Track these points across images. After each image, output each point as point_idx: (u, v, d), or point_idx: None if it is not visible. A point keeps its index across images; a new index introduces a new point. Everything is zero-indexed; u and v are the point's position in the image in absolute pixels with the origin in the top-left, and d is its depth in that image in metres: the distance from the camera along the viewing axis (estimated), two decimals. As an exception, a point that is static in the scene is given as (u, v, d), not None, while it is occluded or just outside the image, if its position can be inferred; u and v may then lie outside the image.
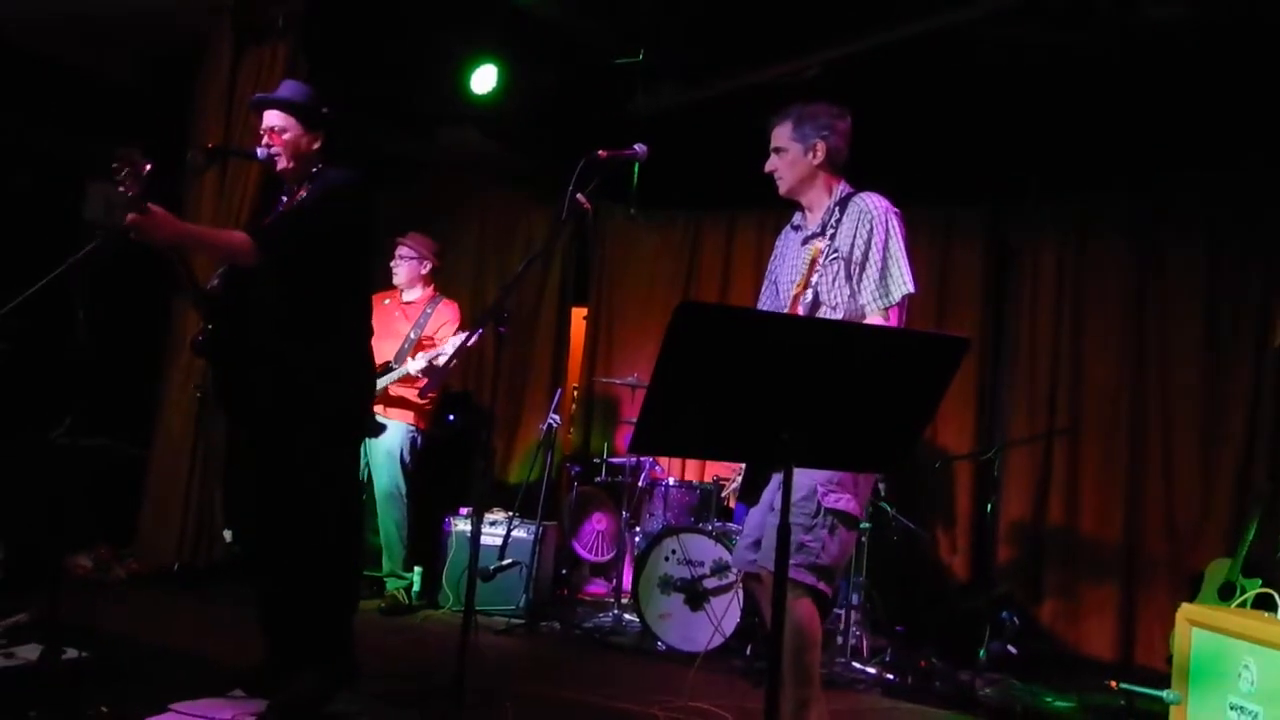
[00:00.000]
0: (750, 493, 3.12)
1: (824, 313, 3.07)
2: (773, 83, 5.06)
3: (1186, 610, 3.44)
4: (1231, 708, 3.15)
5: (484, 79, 5.51)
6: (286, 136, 3.27)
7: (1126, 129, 5.09)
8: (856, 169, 3.29)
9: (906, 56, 4.77)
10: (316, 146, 3.32)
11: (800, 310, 3.01)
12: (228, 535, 5.35)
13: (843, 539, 3.01)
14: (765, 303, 3.37)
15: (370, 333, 3.41)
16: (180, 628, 4.14)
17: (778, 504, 3.00)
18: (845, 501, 2.99)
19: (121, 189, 2.83)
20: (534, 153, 6.40)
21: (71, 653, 3.34)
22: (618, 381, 6.03)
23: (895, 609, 5.17)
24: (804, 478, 2.92)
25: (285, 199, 3.37)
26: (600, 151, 3.01)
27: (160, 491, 5.17)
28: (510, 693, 3.52)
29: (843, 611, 4.81)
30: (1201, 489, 5.18)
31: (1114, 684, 3.40)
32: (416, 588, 5.30)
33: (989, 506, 5.42)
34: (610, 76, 5.42)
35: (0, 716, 2.58)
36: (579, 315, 7.17)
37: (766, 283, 3.42)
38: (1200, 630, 3.35)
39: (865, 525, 4.88)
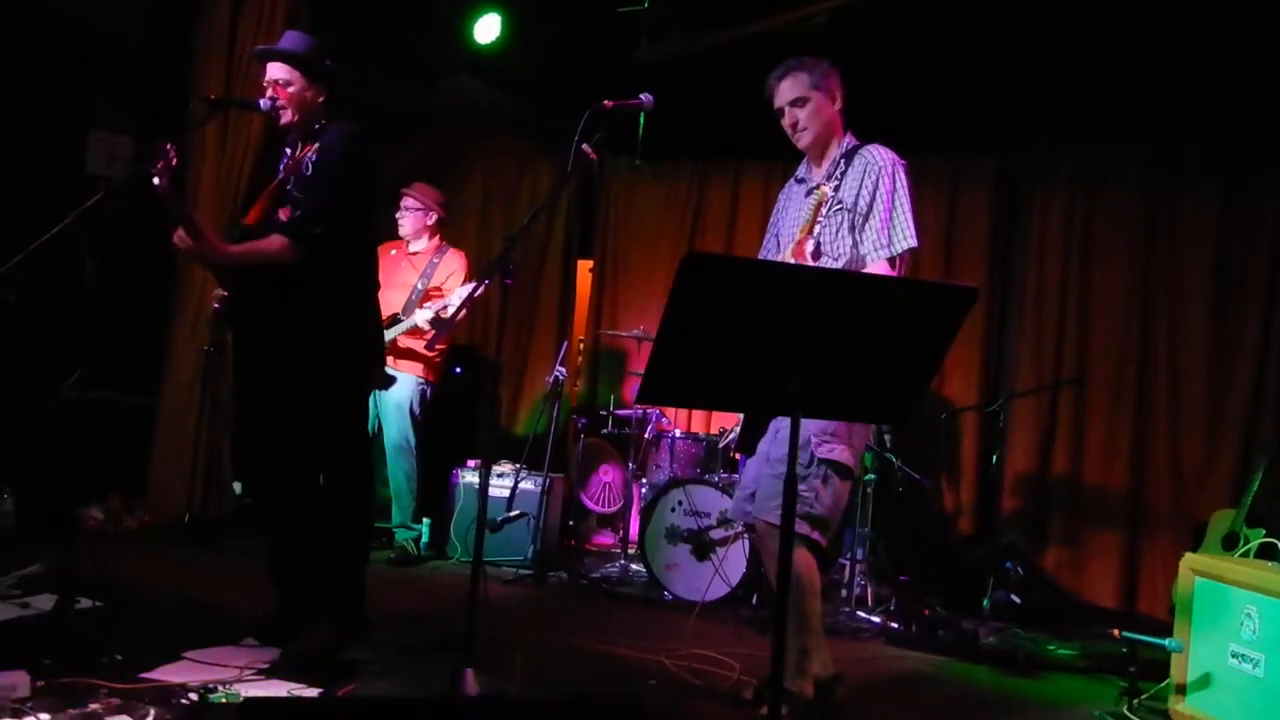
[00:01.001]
0: (748, 443, 3.14)
1: (825, 264, 3.06)
2: (780, 30, 4.99)
3: (1190, 559, 3.47)
4: (1233, 655, 3.19)
5: (487, 28, 5.45)
6: (291, 90, 3.23)
7: (1139, 80, 5.00)
8: (864, 118, 3.26)
9: (914, 2, 4.70)
10: (321, 100, 3.29)
11: (803, 257, 2.99)
12: (237, 487, 5.39)
13: (836, 489, 3.02)
14: (767, 256, 3.35)
15: (376, 286, 3.41)
16: (192, 578, 4.18)
17: (772, 455, 3.03)
18: (839, 452, 2.99)
19: (156, 181, 2.90)
20: (538, 103, 6.34)
21: (85, 603, 3.39)
22: (624, 334, 6.03)
23: (900, 559, 5.21)
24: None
25: (289, 152, 3.35)
26: (606, 102, 2.98)
27: (169, 444, 5.21)
28: (519, 642, 3.57)
29: (847, 561, 4.85)
30: (1207, 440, 5.18)
31: (1116, 632, 3.43)
32: (425, 539, 5.35)
33: (994, 457, 5.44)
34: (615, 25, 5.35)
35: (17, 665, 2.61)
36: (584, 268, 7.14)
37: (768, 235, 3.40)
38: (1203, 579, 3.38)
39: (870, 477, 4.91)
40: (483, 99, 6.38)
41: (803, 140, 3.18)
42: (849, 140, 3.19)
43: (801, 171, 3.31)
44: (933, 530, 5.73)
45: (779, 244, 3.31)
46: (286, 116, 3.26)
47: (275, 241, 3.12)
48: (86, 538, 4.71)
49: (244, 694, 2.74)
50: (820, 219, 3.01)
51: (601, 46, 5.55)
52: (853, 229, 3.05)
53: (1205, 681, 3.29)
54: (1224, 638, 3.23)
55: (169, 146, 2.93)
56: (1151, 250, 5.43)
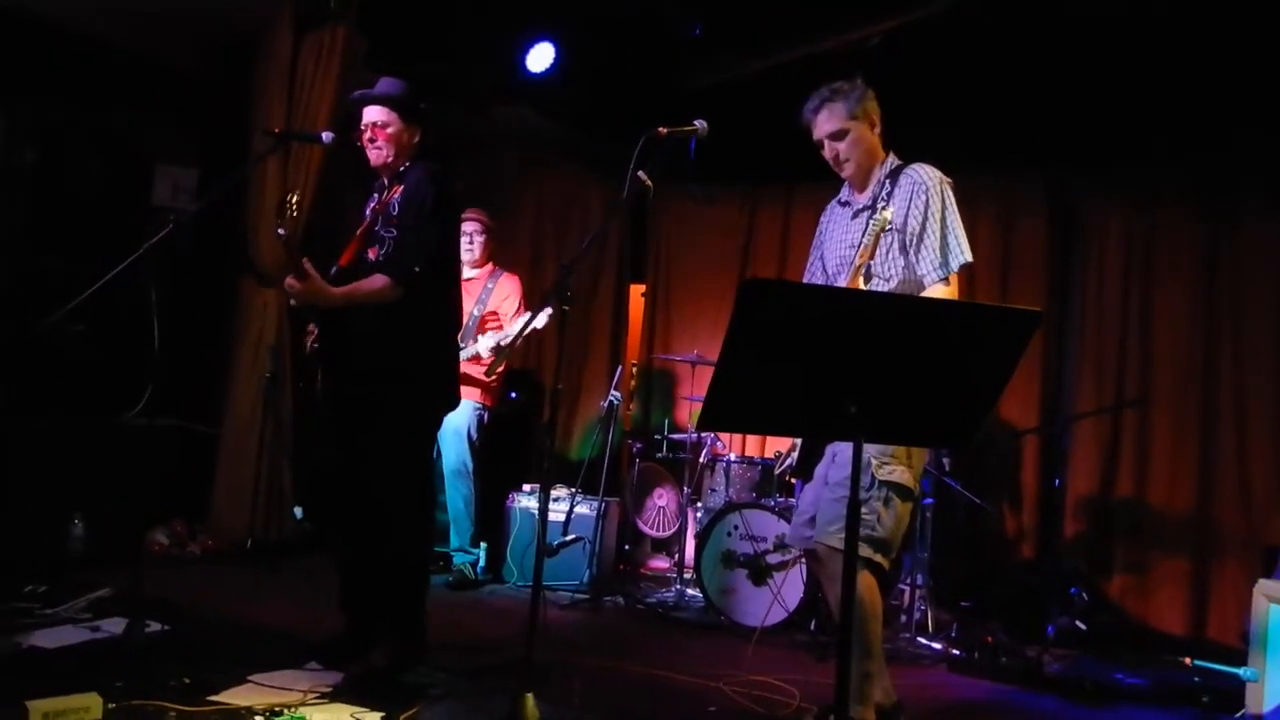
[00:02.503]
0: (805, 468, 3.12)
1: (876, 286, 3.04)
2: (831, 52, 4.99)
3: (1264, 586, 3.38)
4: (1312, 685, 3.09)
5: (540, 58, 5.51)
6: (390, 131, 3.37)
7: (1194, 90, 4.91)
8: (915, 139, 3.24)
9: (967, 23, 4.67)
10: (416, 140, 3.43)
11: (859, 283, 2.98)
12: (298, 513, 5.48)
13: (897, 511, 2.99)
14: (813, 279, 3.34)
15: (459, 320, 3.56)
16: (254, 602, 4.25)
17: (830, 478, 3.00)
18: (899, 473, 2.96)
19: (282, 231, 3.10)
20: (591, 129, 6.39)
21: (153, 626, 3.47)
22: (677, 358, 6.03)
23: (961, 584, 5.13)
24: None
25: (376, 196, 3.47)
26: (660, 129, 3.00)
27: (231, 470, 5.30)
28: (576, 666, 3.57)
29: (907, 587, 4.79)
30: (1276, 461, 5.03)
31: (1188, 661, 3.34)
32: (482, 563, 5.38)
33: (1056, 480, 5.34)
34: (666, 50, 5.38)
35: (89, 687, 2.67)
36: (637, 292, 7.16)
37: (813, 257, 3.39)
38: (1279, 607, 3.28)
39: (929, 500, 4.84)
40: (535, 125, 6.45)
41: (846, 171, 3.17)
42: (892, 160, 3.17)
43: (845, 194, 3.29)
44: (994, 554, 5.62)
45: (824, 266, 3.30)
46: (382, 156, 3.39)
47: (377, 280, 3.23)
48: (152, 562, 4.81)
49: (309, 718, 2.78)
50: (880, 243, 3.00)
51: (653, 72, 5.59)
52: (904, 250, 3.04)
53: (1283, 712, 3.19)
54: (1302, 667, 3.14)
55: (294, 198, 3.12)
56: (1214, 268, 5.31)
